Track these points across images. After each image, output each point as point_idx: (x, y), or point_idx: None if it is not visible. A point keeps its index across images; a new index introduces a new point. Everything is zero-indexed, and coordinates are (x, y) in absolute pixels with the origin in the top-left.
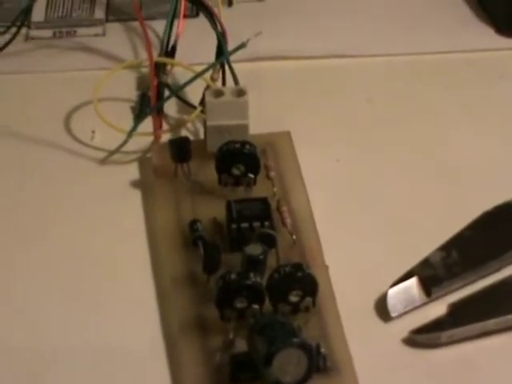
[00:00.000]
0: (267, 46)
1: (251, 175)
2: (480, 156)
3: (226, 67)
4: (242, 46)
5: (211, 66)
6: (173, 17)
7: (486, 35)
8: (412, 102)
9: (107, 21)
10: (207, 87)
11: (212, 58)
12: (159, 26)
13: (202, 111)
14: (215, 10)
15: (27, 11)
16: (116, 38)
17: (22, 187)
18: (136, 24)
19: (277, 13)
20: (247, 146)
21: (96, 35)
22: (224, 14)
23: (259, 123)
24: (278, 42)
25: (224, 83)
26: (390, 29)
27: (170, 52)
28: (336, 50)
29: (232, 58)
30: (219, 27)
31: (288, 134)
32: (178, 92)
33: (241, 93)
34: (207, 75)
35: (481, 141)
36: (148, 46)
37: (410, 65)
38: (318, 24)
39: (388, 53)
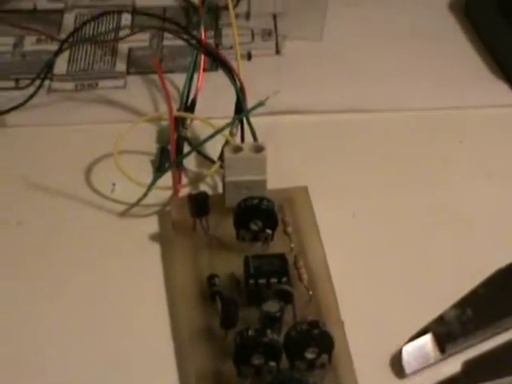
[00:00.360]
0: (285, 100)
1: (269, 231)
2: (494, 211)
3: (245, 121)
4: (261, 104)
5: (231, 124)
6: (192, 71)
7: (500, 91)
8: (427, 157)
9: (128, 73)
10: (226, 142)
11: (231, 111)
12: (179, 79)
13: (221, 166)
14: (234, 64)
15: (50, 65)
16: (136, 91)
17: (41, 239)
18: (156, 76)
19: (294, 66)
20: (265, 202)
21: (117, 88)
22: (243, 67)
23: (277, 177)
24: (296, 96)
25: (242, 139)
26: (405, 84)
27: (190, 106)
28: (352, 104)
29: None
30: (238, 83)
31: (305, 190)
32: (198, 147)
33: (259, 149)
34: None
35: (495, 196)
36: (168, 102)
37: (424, 119)
38: (335, 78)
39: (403, 108)
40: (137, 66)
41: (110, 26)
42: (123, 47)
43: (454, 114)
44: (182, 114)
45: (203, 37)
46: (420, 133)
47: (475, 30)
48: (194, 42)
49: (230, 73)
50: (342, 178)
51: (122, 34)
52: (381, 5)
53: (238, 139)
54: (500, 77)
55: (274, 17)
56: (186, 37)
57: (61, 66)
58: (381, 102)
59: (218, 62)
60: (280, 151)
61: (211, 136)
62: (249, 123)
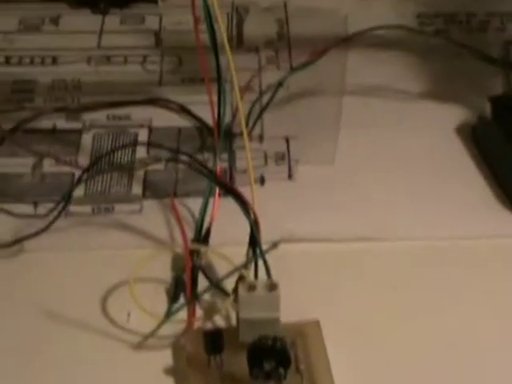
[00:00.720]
0: (296, 229)
1: (282, 370)
2: (500, 345)
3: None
4: (275, 245)
5: (246, 264)
6: (207, 201)
7: (508, 221)
8: (437, 287)
9: (144, 196)
10: (240, 278)
11: (245, 237)
12: (194, 203)
13: (235, 299)
14: (247, 189)
15: (69, 194)
16: (152, 216)
17: (55, 368)
18: None
19: (306, 192)
20: (278, 343)
21: (133, 212)
22: (256, 193)
23: (289, 307)
24: (307, 224)
25: (256, 274)
26: (415, 211)
27: (205, 236)
28: (363, 233)
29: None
30: (252, 216)
31: (317, 324)
32: (217, 284)
33: (273, 287)
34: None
35: (502, 329)
36: (183, 237)
37: (434, 249)
38: (346, 205)
39: (413, 237)
40: (152, 189)
41: (126, 158)
42: (139, 171)
43: (462, 244)
44: (197, 246)
45: (218, 171)
46: (430, 262)
47: (482, 156)
48: (208, 173)
49: (244, 206)
50: (353, 309)
51: (137, 165)
52: (390, 127)
53: (251, 272)
54: (507, 206)
55: (287, 140)
56: (201, 169)
57: (79, 188)
58: (391, 230)
59: (231, 194)
60: (291, 280)
61: (230, 273)
62: (264, 261)
